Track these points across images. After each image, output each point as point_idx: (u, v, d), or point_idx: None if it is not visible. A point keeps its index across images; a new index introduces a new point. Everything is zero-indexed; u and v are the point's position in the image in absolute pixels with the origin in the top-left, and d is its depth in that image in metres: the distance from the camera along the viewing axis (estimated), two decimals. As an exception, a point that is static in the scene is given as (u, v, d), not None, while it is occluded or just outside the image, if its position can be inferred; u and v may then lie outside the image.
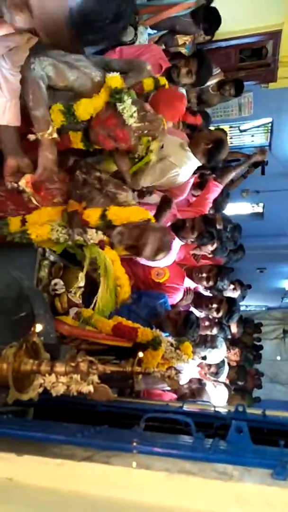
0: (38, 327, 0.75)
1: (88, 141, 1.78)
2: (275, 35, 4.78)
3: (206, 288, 3.05)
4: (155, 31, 3.43)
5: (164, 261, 2.43)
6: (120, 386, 1.69)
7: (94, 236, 1.70)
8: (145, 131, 1.68)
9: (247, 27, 4.73)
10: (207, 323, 2.67)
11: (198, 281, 2.95)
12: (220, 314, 2.93)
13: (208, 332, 2.76)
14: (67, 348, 1.45)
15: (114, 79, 1.63)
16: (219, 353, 2.64)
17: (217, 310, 2.93)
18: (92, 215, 1.74)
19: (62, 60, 1.59)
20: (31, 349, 0.73)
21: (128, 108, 1.62)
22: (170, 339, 1.91)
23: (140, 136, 1.70)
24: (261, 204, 7.57)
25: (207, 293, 3.19)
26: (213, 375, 2.93)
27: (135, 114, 1.63)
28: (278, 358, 9.26)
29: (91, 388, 0.70)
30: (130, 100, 1.63)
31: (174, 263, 2.61)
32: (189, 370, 2.62)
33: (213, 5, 3.66)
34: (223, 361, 2.92)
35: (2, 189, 1.73)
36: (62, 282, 1.88)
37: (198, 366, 2.81)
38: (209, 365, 2.88)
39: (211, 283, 2.95)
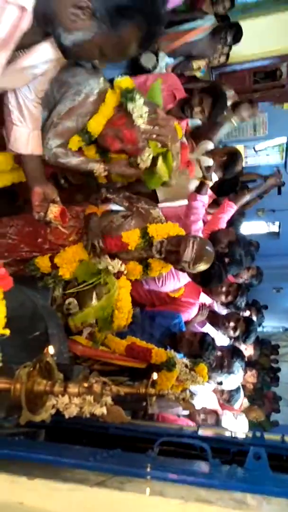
0: (51, 348, 0.75)
1: (102, 150, 1.76)
2: (289, 58, 4.85)
3: (223, 304, 2.99)
4: (171, 59, 3.51)
5: (176, 283, 2.42)
6: (134, 408, 1.65)
7: (116, 266, 1.70)
8: (154, 135, 1.61)
9: (261, 51, 4.81)
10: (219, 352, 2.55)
11: (217, 296, 2.88)
12: (237, 333, 2.86)
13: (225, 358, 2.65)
14: (80, 369, 1.44)
15: (125, 81, 1.62)
16: (236, 379, 2.51)
17: (234, 329, 2.86)
18: (131, 235, 1.75)
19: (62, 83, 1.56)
20: (44, 369, 0.73)
21: (138, 108, 1.58)
22: (185, 360, 1.88)
23: (148, 139, 1.63)
24: (276, 223, 7.51)
25: (222, 312, 3.14)
26: (226, 402, 2.83)
27: (145, 115, 1.58)
28: (297, 381, 8.97)
29: (104, 410, 0.69)
30: (142, 100, 1.59)
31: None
32: (204, 394, 2.55)
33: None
34: (238, 389, 2.81)
35: (15, 232, 1.77)
36: (75, 302, 1.88)
37: (212, 391, 2.72)
38: (222, 391, 2.77)
39: (230, 298, 2.88)
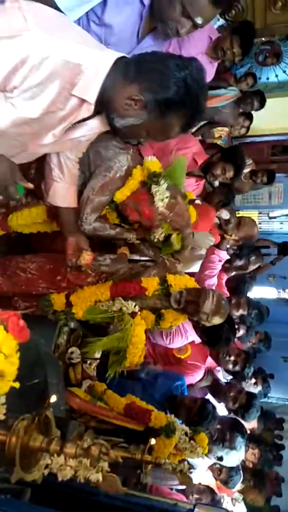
0: (53, 399, 0.72)
1: (121, 219, 1.86)
2: (306, 135, 5.12)
3: (229, 372, 2.87)
4: (194, 122, 3.72)
5: (184, 341, 2.37)
6: (126, 474, 1.55)
7: (130, 307, 1.72)
8: (168, 220, 1.72)
9: (280, 127, 5.09)
10: (219, 425, 2.38)
11: (225, 363, 2.78)
12: (235, 406, 2.69)
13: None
14: (75, 425, 1.38)
15: (154, 163, 1.73)
16: (237, 456, 2.28)
17: (234, 400, 2.69)
18: (151, 282, 1.79)
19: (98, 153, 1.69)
20: (42, 424, 0.70)
21: (161, 192, 1.68)
22: (184, 427, 1.78)
23: (163, 220, 1.74)
24: (287, 290, 7.45)
25: (225, 380, 3.01)
26: (223, 483, 2.56)
27: (166, 200, 1.68)
28: (301, 462, 8.33)
29: (100, 476, 0.65)
30: (166, 185, 1.70)
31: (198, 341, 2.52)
32: (202, 469, 2.35)
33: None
34: (237, 469, 2.55)
35: (36, 268, 1.83)
36: (78, 351, 1.85)
37: (208, 468, 2.47)
38: (220, 470, 2.51)
39: (238, 368, 2.76)
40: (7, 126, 1.16)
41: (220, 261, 2.49)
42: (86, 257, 1.60)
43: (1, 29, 1.00)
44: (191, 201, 2.18)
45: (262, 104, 3.92)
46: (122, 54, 1.20)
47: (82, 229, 1.70)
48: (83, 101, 1.16)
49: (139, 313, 1.75)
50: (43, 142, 1.27)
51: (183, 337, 2.34)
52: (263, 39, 4.79)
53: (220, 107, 3.60)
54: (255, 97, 3.87)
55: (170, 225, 1.73)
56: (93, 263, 1.66)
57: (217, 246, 2.49)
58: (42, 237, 2.01)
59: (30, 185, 1.26)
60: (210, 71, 2.61)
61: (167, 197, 1.67)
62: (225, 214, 2.44)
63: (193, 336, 2.34)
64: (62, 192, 1.58)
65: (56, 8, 1.31)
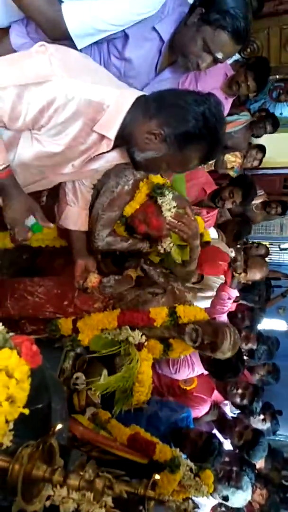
0: (58, 426, 0.70)
1: (129, 231, 1.86)
2: None
3: (237, 407, 2.78)
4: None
5: (190, 373, 2.32)
6: (127, 510, 1.48)
7: (137, 337, 1.70)
8: (176, 230, 1.72)
9: (292, 160, 5.15)
10: (227, 458, 2.27)
11: (232, 397, 2.70)
12: (241, 442, 2.58)
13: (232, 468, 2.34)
14: (78, 454, 1.33)
15: (157, 177, 1.76)
16: (243, 497, 2.17)
17: (239, 436, 2.59)
18: (159, 313, 1.77)
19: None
20: (46, 452, 0.68)
21: (167, 202, 1.70)
22: (189, 462, 1.71)
23: (171, 230, 1.74)
24: (297, 323, 7.30)
25: (232, 414, 2.91)
26: None
27: (173, 210, 1.70)
28: (309, 506, 7.88)
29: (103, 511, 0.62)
30: (171, 195, 1.72)
31: (204, 374, 2.46)
32: (207, 509, 2.23)
33: (261, 141, 4.08)
34: (242, 511, 2.44)
35: (43, 292, 1.83)
36: (84, 377, 1.82)
37: (211, 509, 2.36)
38: (226, 510, 2.39)
39: (245, 401, 2.69)
40: (31, 159, 1.24)
41: (229, 298, 2.49)
42: (93, 279, 1.63)
43: (29, 75, 1.08)
44: (207, 243, 2.19)
45: (275, 127, 3.95)
46: (142, 93, 1.25)
47: (96, 246, 1.72)
48: (103, 136, 1.21)
49: (146, 343, 1.72)
50: (62, 171, 1.33)
51: (190, 368, 2.30)
52: (277, 76, 4.94)
53: (233, 133, 3.67)
54: (268, 120, 3.92)
55: (178, 235, 1.73)
56: (99, 285, 1.67)
57: (227, 283, 2.49)
58: (50, 259, 2.02)
59: (51, 225, 1.32)
60: (225, 106, 2.68)
61: (174, 207, 1.68)
62: (230, 252, 2.45)
63: (199, 369, 2.29)
64: (74, 216, 1.61)
65: (66, 33, 1.34)
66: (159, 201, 1.70)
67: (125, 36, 1.48)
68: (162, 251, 1.79)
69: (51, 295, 1.82)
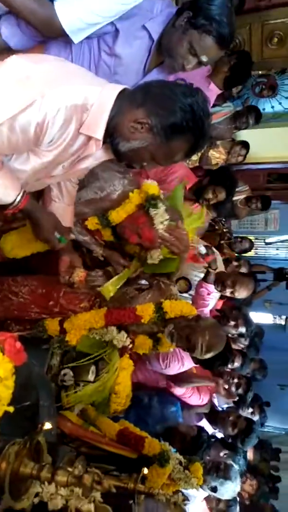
0: (47, 425, 0.70)
1: (116, 237, 1.85)
2: (302, 164, 5.23)
3: (230, 397, 2.82)
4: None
5: (180, 367, 2.34)
6: (117, 504, 1.48)
7: (121, 340, 1.68)
8: (167, 243, 1.71)
9: (276, 155, 5.21)
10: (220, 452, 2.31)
11: (228, 386, 2.74)
12: (235, 431, 2.63)
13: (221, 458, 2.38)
14: (66, 450, 1.33)
15: (152, 187, 1.74)
16: (232, 488, 2.18)
17: (233, 425, 2.64)
18: (146, 309, 1.75)
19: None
20: (34, 449, 0.67)
21: (160, 215, 1.68)
22: (179, 456, 1.72)
23: (162, 243, 1.73)
24: (283, 317, 7.42)
25: (220, 408, 2.95)
26: None
27: (166, 222, 1.68)
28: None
29: (92, 507, 0.62)
30: (164, 208, 1.70)
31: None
32: (198, 501, 2.25)
33: (246, 137, 4.11)
34: (235, 499, 2.47)
35: (28, 292, 1.80)
36: (71, 373, 1.81)
37: (205, 499, 2.37)
38: (218, 501, 2.40)
39: (240, 391, 2.73)
40: (30, 175, 1.27)
41: (209, 294, 2.50)
42: (80, 273, 1.62)
43: (13, 106, 1.07)
44: None
45: (257, 120, 3.96)
46: (124, 86, 1.24)
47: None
48: (90, 137, 1.21)
49: (129, 346, 1.71)
50: (53, 173, 1.33)
51: (180, 363, 2.31)
52: (259, 72, 4.98)
53: (216, 124, 3.69)
54: (250, 114, 3.92)
55: (169, 249, 1.72)
56: (87, 278, 1.66)
57: (204, 279, 2.50)
58: (38, 257, 1.99)
59: (72, 236, 1.45)
60: (209, 94, 2.70)
61: (166, 220, 1.67)
62: (202, 249, 2.47)
63: (189, 363, 2.31)
64: (59, 211, 1.59)
65: (61, 30, 1.38)
66: (152, 213, 1.68)
67: (115, 31, 1.50)
68: (149, 261, 1.78)
69: (35, 295, 1.79)
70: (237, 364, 2.91)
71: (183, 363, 2.27)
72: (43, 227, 1.35)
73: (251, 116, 3.91)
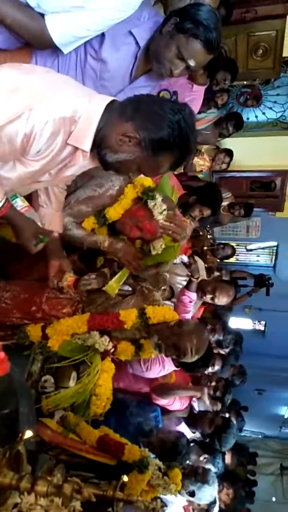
0: (28, 434, 0.70)
1: (114, 232, 1.86)
2: (284, 174, 5.39)
3: (211, 399, 2.84)
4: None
5: (161, 371, 2.35)
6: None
7: (103, 344, 1.68)
8: (169, 232, 1.73)
9: (258, 164, 5.33)
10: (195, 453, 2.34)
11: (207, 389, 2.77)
12: (212, 428, 2.65)
13: (200, 462, 2.41)
14: (46, 458, 1.32)
15: (146, 179, 1.76)
16: (210, 492, 2.22)
17: (210, 422, 2.66)
18: (129, 315, 1.75)
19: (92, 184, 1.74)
20: (13, 459, 0.67)
21: (159, 205, 1.71)
22: (158, 462, 1.72)
23: (164, 233, 1.75)
24: (263, 322, 7.54)
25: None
26: None
27: (165, 212, 1.71)
28: (273, 499, 8.14)
29: (71, 517, 0.62)
30: (161, 198, 1.73)
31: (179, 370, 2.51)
32: (176, 506, 2.26)
33: (230, 145, 4.18)
34: (215, 502, 2.50)
35: (10, 297, 1.78)
36: (52, 380, 1.79)
37: (187, 505, 2.38)
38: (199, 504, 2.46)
39: (219, 394, 2.76)
40: (15, 183, 1.28)
41: (190, 302, 2.53)
42: (69, 278, 1.62)
43: (2, 117, 1.08)
44: None
45: (237, 128, 4.04)
46: (112, 98, 1.26)
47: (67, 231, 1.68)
48: (77, 148, 1.23)
49: (111, 350, 1.71)
50: (39, 179, 1.34)
51: (160, 366, 2.32)
52: (244, 82, 5.08)
53: (201, 130, 3.75)
54: (230, 121, 4.01)
55: (172, 237, 1.74)
56: (80, 284, 1.66)
57: (187, 287, 2.53)
58: (19, 263, 1.96)
59: (55, 234, 1.52)
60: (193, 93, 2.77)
61: (164, 210, 1.69)
62: (184, 258, 2.51)
63: (170, 366, 2.33)
64: (47, 217, 1.60)
65: (52, 43, 1.40)
66: (150, 205, 1.70)
67: (102, 35, 1.51)
68: (153, 253, 1.80)
69: (18, 300, 1.76)
70: (217, 367, 2.95)
71: (164, 366, 2.29)
72: (22, 234, 1.39)
73: (231, 123, 3.99)
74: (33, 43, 1.44)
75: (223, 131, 4.04)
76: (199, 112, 3.44)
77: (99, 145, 1.24)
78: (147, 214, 1.72)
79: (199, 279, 2.54)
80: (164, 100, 1.32)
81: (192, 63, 1.54)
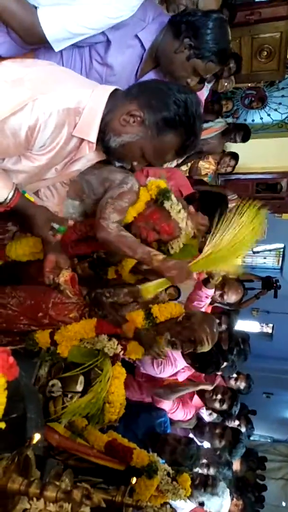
0: (36, 437, 0.69)
1: None
2: (289, 175, 5.34)
3: (215, 412, 2.81)
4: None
5: (173, 370, 2.34)
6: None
7: (112, 348, 1.67)
8: (190, 228, 1.73)
9: (264, 166, 5.31)
10: (204, 460, 2.30)
11: (211, 402, 2.73)
12: (222, 443, 2.63)
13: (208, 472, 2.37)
14: (53, 463, 1.31)
15: (160, 182, 1.75)
16: (219, 502, 2.15)
17: (220, 437, 2.63)
18: (136, 317, 1.74)
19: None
20: (22, 464, 0.66)
21: (174, 205, 1.71)
22: (167, 467, 1.71)
23: (185, 231, 1.74)
24: (270, 325, 7.49)
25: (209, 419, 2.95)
26: None
27: (182, 211, 1.71)
28: (283, 504, 8.04)
29: (80, 523, 0.61)
30: (176, 199, 1.73)
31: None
32: (186, 512, 2.24)
33: (235, 147, 4.18)
34: None
35: (16, 304, 1.76)
36: (60, 384, 1.79)
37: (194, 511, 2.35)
38: None
39: (225, 406, 2.72)
40: (23, 178, 1.26)
41: (207, 297, 2.51)
42: (65, 273, 1.54)
43: (3, 109, 1.06)
44: None
45: (244, 139, 4.05)
46: (115, 87, 1.24)
47: (105, 225, 1.58)
48: (83, 139, 1.21)
49: (121, 353, 1.70)
50: (45, 176, 1.32)
51: (173, 366, 2.32)
52: (249, 84, 5.08)
53: (208, 139, 3.74)
54: (238, 132, 4.01)
55: (200, 233, 1.76)
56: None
57: (204, 284, 2.52)
58: (28, 266, 1.96)
59: (71, 222, 1.41)
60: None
61: (181, 209, 1.70)
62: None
63: (181, 363, 2.32)
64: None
65: (43, 37, 1.36)
66: (167, 206, 1.70)
67: (107, 41, 1.51)
68: (172, 252, 1.76)
69: (24, 306, 1.75)
70: (226, 363, 2.90)
71: (176, 365, 2.29)
72: (36, 223, 1.32)
73: (239, 134, 3.99)
74: (24, 37, 1.38)
75: (230, 141, 4.05)
76: (206, 121, 3.45)
77: (103, 131, 1.21)
78: (162, 216, 1.71)
79: (218, 281, 2.52)
80: (172, 83, 1.32)
81: (207, 76, 1.67)
